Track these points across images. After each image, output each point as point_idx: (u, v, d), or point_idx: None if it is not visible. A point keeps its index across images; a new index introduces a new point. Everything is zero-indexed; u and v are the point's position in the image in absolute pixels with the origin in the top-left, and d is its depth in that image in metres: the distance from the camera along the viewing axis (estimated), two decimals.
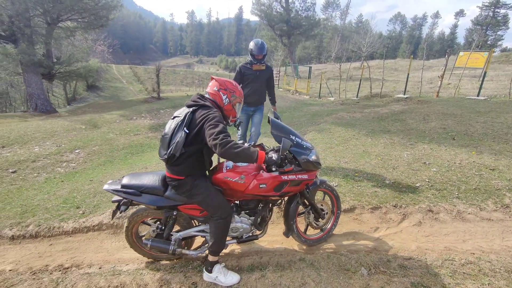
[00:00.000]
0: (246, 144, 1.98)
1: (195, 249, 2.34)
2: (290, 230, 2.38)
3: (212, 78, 2.16)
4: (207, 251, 2.19)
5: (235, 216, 2.24)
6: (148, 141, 8.24)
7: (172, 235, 2.26)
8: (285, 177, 2.09)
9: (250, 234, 2.31)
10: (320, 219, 2.54)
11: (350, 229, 2.87)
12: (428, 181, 3.69)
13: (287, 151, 1.93)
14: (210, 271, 2.09)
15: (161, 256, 2.42)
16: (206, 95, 2.11)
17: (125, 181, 2.16)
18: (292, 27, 30.06)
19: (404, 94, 12.08)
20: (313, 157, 2.13)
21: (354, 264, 2.24)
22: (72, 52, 19.74)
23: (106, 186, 2.20)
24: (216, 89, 2.08)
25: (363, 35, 34.31)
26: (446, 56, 11.51)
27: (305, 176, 2.15)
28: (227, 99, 2.08)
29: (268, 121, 2.19)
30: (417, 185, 3.62)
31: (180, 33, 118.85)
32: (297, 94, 18.47)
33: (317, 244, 2.60)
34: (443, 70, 11.24)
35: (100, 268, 2.45)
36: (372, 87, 13.47)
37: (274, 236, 2.79)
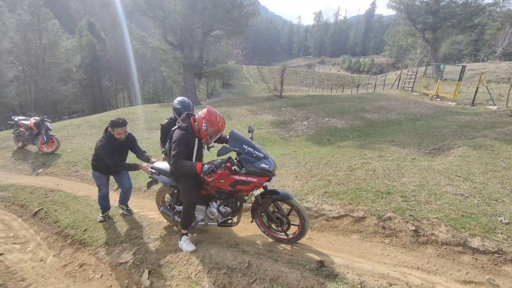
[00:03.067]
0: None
1: None
2: (252, 217, 3.00)
3: (207, 108, 2.72)
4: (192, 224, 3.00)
5: (213, 203, 2.89)
6: (269, 135, 8.88)
7: (175, 207, 3.18)
8: (236, 177, 2.60)
9: (226, 220, 2.95)
10: (271, 224, 2.94)
11: None
12: None
13: (230, 158, 2.70)
14: (180, 239, 2.95)
15: (169, 220, 3.39)
16: (195, 116, 2.78)
17: (154, 164, 3.27)
18: (441, 18, 24.79)
19: None
20: (261, 165, 2.54)
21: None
22: (217, 55, 23.80)
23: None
24: (202, 116, 2.67)
25: None
26: None
27: (254, 179, 2.57)
28: (204, 126, 2.66)
29: (249, 131, 3.10)
30: None
31: (305, 35, 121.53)
32: (438, 99, 15.20)
33: (275, 240, 2.97)
34: None
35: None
36: None
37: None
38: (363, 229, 2.96)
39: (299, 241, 2.89)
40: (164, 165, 3.16)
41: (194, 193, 2.81)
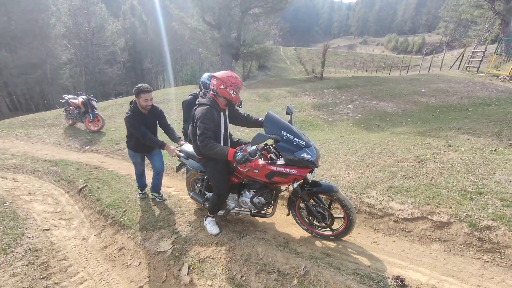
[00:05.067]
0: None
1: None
2: (289, 210, 2.69)
3: (214, 77, 2.43)
4: (223, 212, 2.82)
5: (246, 192, 2.61)
6: (310, 119, 8.23)
7: (205, 193, 2.98)
8: (273, 168, 2.27)
9: (260, 211, 2.65)
10: (311, 218, 2.59)
11: None
12: None
13: (266, 144, 2.37)
14: (205, 219, 2.86)
15: (199, 205, 3.23)
16: (211, 92, 2.46)
17: (183, 147, 3.05)
18: None
19: None
20: (303, 155, 2.18)
21: None
22: (255, 35, 22.96)
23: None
24: (223, 88, 2.38)
25: None
26: None
27: (293, 171, 2.22)
28: (233, 92, 2.41)
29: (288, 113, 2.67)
30: None
31: (347, 13, 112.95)
32: None
33: (317, 237, 2.61)
34: None
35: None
36: None
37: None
38: (448, 238, 2.33)
39: (344, 239, 2.56)
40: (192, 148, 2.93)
41: (223, 185, 2.54)
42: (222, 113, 2.47)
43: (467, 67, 16.62)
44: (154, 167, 3.52)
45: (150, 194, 3.69)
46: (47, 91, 26.43)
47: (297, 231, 2.79)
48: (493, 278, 1.93)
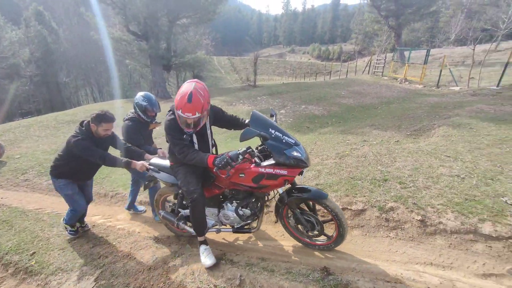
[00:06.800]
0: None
1: None
2: (276, 217, 2.51)
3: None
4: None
5: (228, 204, 2.38)
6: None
7: (179, 211, 2.63)
8: (261, 169, 2.10)
9: (244, 226, 2.44)
10: (299, 227, 2.44)
11: None
12: None
13: (249, 147, 2.10)
14: (199, 248, 2.41)
15: (171, 227, 2.86)
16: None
17: (152, 161, 2.70)
18: (402, 5, 25.62)
19: None
20: (293, 153, 2.06)
21: None
22: (185, 46, 22.56)
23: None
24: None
25: (504, 7, 26.10)
26: None
27: (283, 172, 2.07)
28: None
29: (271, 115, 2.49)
30: None
31: (274, 24, 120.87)
32: (407, 83, 15.70)
33: (309, 248, 2.45)
34: None
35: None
36: None
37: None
38: (364, 223, 2.66)
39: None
40: (164, 161, 2.63)
41: (197, 185, 2.24)
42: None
43: (374, 72, 19.57)
44: (86, 198, 3.05)
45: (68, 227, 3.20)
46: None
47: (234, 240, 2.79)
48: (397, 251, 2.27)
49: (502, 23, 23.59)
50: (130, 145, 2.88)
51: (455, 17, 40.88)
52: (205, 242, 2.41)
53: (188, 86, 2.03)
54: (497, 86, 10.91)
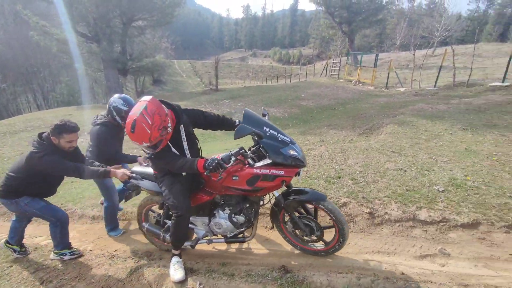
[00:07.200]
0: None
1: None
2: (273, 223, 2.42)
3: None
4: (190, 243, 2.33)
5: (220, 212, 2.22)
6: (208, 131, 8.33)
7: (165, 223, 2.44)
8: (256, 170, 1.98)
9: (237, 234, 2.29)
10: (299, 232, 2.32)
11: (477, 252, 2.16)
12: None
13: (242, 148, 1.93)
14: (171, 260, 2.27)
15: (156, 241, 2.63)
16: None
17: (134, 168, 2.52)
18: (353, 13, 27.74)
19: (503, 82, 9.87)
20: (290, 152, 1.97)
21: None
22: (142, 49, 21.59)
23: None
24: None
25: (437, 17, 29.79)
26: None
27: (280, 172, 1.96)
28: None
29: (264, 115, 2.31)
30: None
31: (235, 28, 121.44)
32: (360, 84, 16.92)
33: (308, 253, 2.35)
34: None
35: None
36: (455, 75, 11.41)
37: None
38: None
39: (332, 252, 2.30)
40: (147, 168, 2.45)
41: (184, 201, 2.06)
42: (181, 126, 2.08)
43: (331, 74, 20.76)
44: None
45: (4, 247, 2.83)
46: None
47: (197, 247, 2.73)
48: (349, 243, 2.44)
49: (436, 31, 26.80)
50: (97, 162, 2.57)
51: (399, 25, 45.44)
52: (179, 254, 2.29)
53: (136, 109, 1.83)
54: (434, 87, 12.31)
